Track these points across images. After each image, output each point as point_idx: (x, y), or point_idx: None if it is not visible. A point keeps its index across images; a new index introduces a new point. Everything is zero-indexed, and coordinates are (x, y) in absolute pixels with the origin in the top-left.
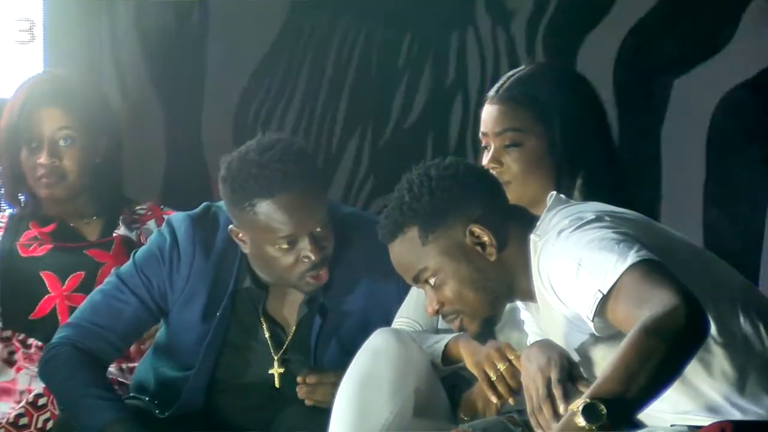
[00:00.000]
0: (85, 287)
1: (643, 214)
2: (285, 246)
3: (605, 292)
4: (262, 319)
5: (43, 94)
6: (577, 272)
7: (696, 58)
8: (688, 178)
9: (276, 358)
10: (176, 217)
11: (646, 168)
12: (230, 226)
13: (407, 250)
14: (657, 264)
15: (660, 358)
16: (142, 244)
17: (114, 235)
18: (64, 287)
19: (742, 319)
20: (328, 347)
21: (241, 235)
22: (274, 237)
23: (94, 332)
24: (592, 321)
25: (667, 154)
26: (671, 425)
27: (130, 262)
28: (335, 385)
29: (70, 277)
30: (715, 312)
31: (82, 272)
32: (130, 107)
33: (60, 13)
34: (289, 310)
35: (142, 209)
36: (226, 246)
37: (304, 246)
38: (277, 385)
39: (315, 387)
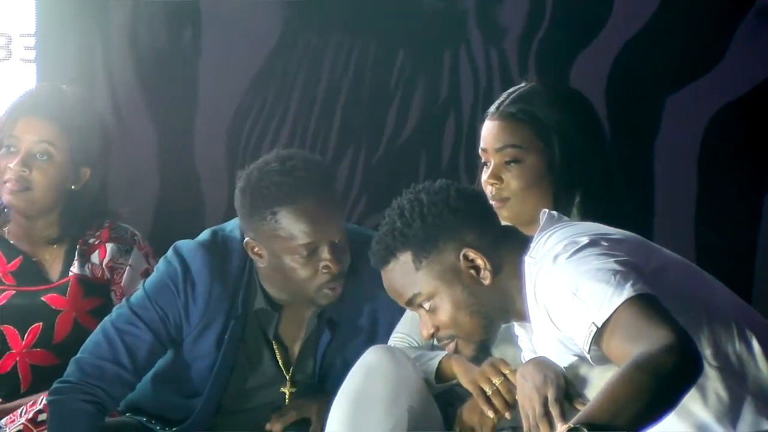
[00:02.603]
0: (44, 340)
1: (636, 230)
2: (305, 255)
3: (599, 326)
4: (272, 340)
5: (36, 103)
6: (572, 302)
7: (688, 75)
8: (680, 194)
9: (288, 377)
10: (186, 245)
11: (638, 185)
12: (246, 240)
13: (400, 275)
14: (653, 299)
15: (649, 396)
16: (98, 279)
17: (70, 274)
18: (24, 342)
19: (737, 341)
20: (334, 363)
21: (257, 249)
22: (295, 245)
23: (112, 373)
24: (588, 353)
25: (659, 171)
26: None
27: (140, 293)
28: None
29: (29, 330)
30: (709, 334)
31: (40, 323)
32: (123, 126)
33: (53, 32)
34: (298, 327)
35: (92, 238)
36: (240, 272)
37: (324, 256)
38: (288, 403)
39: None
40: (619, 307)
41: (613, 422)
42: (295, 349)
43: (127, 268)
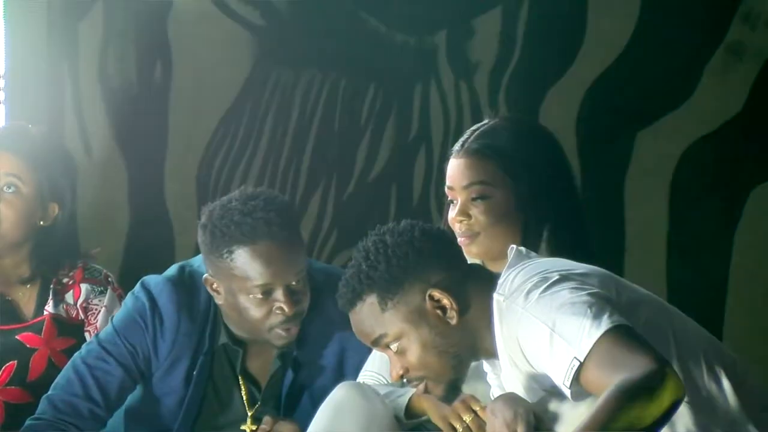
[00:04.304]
0: (18, 378)
1: (607, 266)
2: (259, 296)
3: (582, 360)
4: (239, 376)
5: (1, 139)
6: (550, 338)
7: (659, 110)
8: (651, 230)
9: (250, 414)
10: (153, 280)
11: (609, 220)
12: (205, 276)
13: (367, 316)
14: (629, 329)
15: (634, 421)
16: (73, 320)
17: (45, 313)
18: None
19: (706, 376)
20: (299, 401)
21: (215, 285)
22: (250, 286)
23: (85, 409)
24: (569, 388)
25: (630, 206)
26: None
27: (109, 329)
28: None
29: (4, 368)
30: (680, 369)
31: (14, 361)
32: (93, 164)
33: (22, 70)
34: (264, 365)
35: (66, 278)
36: (207, 307)
37: (279, 297)
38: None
39: None
40: (598, 339)
41: None
42: (262, 386)
43: (102, 309)
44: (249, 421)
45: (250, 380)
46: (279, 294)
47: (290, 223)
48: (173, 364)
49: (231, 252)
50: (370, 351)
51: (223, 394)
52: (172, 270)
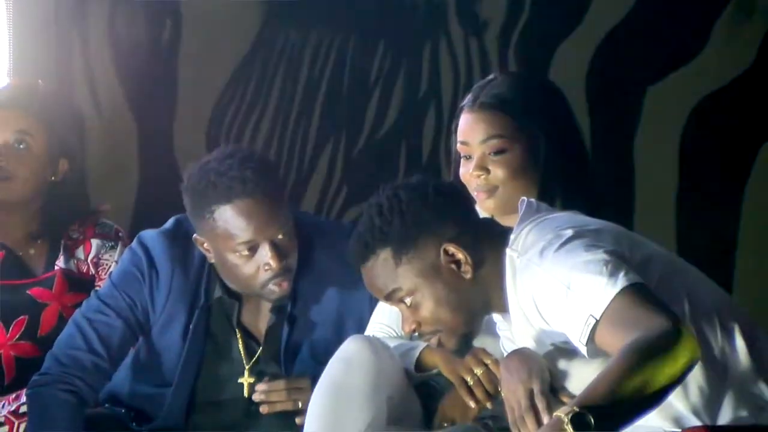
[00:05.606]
0: (29, 332)
1: (616, 222)
2: (246, 253)
3: (598, 318)
4: (236, 330)
5: (11, 96)
6: (566, 295)
7: (669, 66)
8: (660, 186)
9: (247, 368)
10: (149, 234)
11: (619, 176)
12: (194, 236)
13: (380, 271)
14: (644, 287)
15: (647, 379)
16: (83, 275)
17: (56, 268)
18: (8, 335)
19: (719, 334)
20: (298, 356)
21: (205, 244)
22: (234, 244)
23: (88, 362)
24: (585, 346)
25: (639, 162)
26: None
27: (108, 284)
28: (291, 391)
29: (14, 322)
30: (693, 325)
31: (26, 316)
32: (103, 122)
33: (32, 31)
34: (262, 319)
35: (76, 234)
36: (202, 261)
37: (265, 253)
38: (245, 394)
39: (268, 394)
40: (614, 297)
41: (612, 404)
42: (260, 340)
43: (113, 264)
44: (246, 374)
45: (248, 334)
46: (265, 249)
47: (268, 179)
48: (171, 317)
49: (212, 212)
50: (370, 305)
51: (222, 347)
52: (169, 224)
